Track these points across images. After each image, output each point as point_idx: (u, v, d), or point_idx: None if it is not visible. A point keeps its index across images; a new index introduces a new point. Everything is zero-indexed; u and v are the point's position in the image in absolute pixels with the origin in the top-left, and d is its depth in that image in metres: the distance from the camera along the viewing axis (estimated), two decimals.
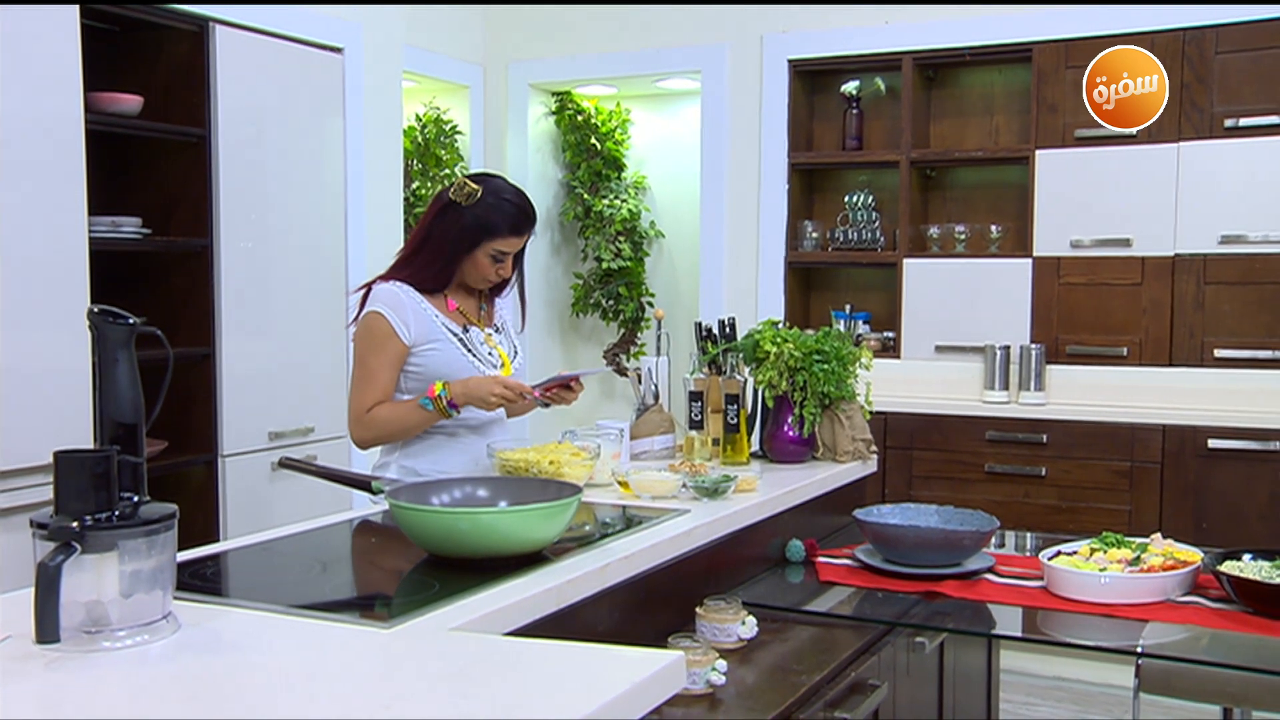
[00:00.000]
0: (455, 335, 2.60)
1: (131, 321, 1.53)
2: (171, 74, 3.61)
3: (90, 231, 3.20)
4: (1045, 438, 4.36)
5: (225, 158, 3.62)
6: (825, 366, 2.78)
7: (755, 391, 2.94)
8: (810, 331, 2.88)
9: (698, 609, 2.12)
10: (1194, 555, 2.35)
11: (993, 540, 2.65)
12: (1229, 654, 2.10)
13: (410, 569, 1.94)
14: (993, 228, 4.78)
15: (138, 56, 3.62)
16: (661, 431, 2.92)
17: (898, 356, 4.81)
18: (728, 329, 2.95)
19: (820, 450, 2.92)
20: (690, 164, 5.61)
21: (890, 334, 4.91)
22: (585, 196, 5.75)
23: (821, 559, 2.59)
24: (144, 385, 1.54)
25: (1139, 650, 2.09)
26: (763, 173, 5.12)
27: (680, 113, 5.87)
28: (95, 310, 1.52)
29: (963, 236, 4.81)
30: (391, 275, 2.62)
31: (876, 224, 5.00)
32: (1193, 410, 4.24)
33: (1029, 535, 3.11)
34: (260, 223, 3.76)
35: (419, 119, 5.51)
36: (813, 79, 5.18)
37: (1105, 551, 2.39)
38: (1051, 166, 4.55)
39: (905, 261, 4.82)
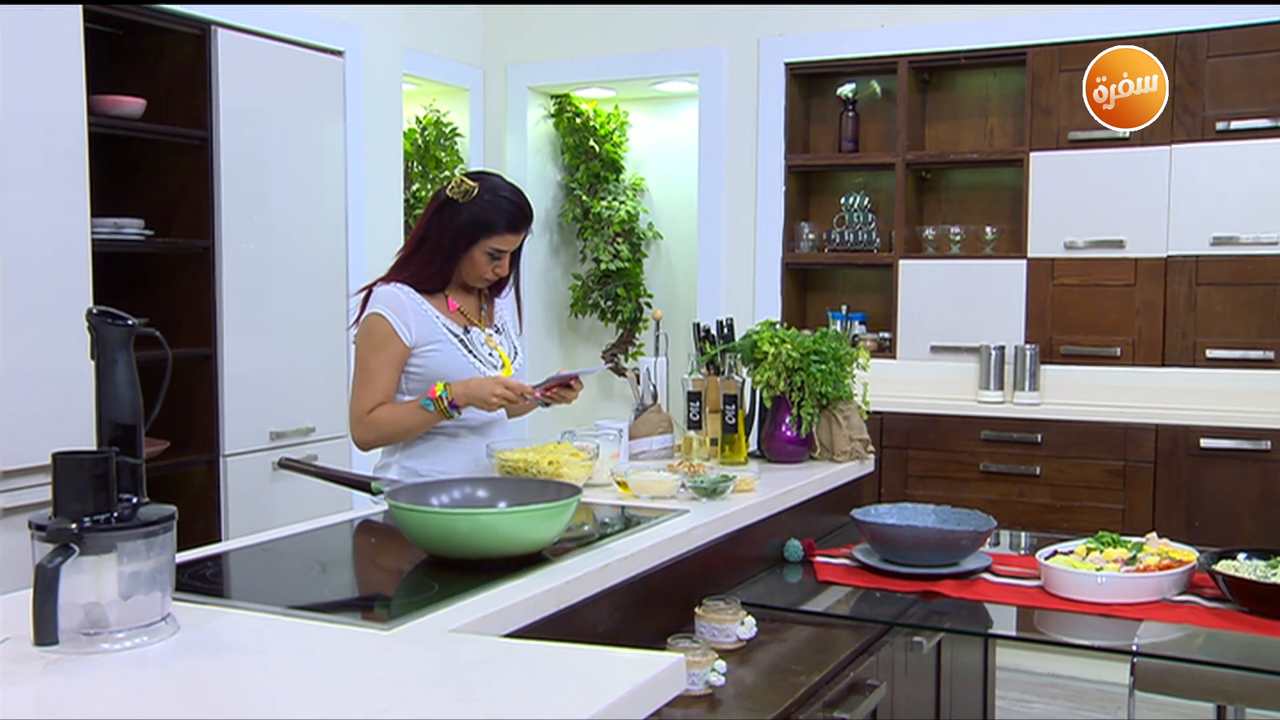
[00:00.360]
0: (456, 336, 2.61)
1: (130, 323, 1.53)
2: (173, 77, 3.62)
3: (93, 233, 3.22)
4: (1040, 437, 4.38)
5: (226, 160, 3.64)
6: (823, 367, 2.79)
7: (753, 392, 2.94)
8: (807, 332, 2.89)
9: (697, 609, 2.12)
10: (1189, 555, 2.35)
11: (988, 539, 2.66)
12: (1224, 653, 2.11)
13: (410, 570, 1.94)
14: (987, 229, 4.79)
15: (140, 59, 3.64)
16: (660, 432, 2.92)
17: (894, 357, 4.83)
18: (725, 329, 2.96)
19: (818, 450, 2.93)
20: (688, 166, 5.62)
21: (886, 334, 4.92)
22: (584, 198, 5.76)
23: (819, 559, 2.60)
24: (144, 386, 1.54)
25: (1135, 649, 2.10)
26: (760, 175, 5.13)
27: (678, 115, 5.88)
28: (94, 311, 1.52)
29: (958, 238, 4.83)
30: (392, 277, 2.63)
31: (872, 225, 5.01)
32: (1185, 410, 4.26)
33: (1024, 534, 3.13)
34: (261, 224, 3.77)
35: (419, 121, 5.52)
36: (809, 82, 5.19)
37: (1101, 551, 2.39)
38: (1046, 169, 4.57)
39: (901, 263, 4.84)
